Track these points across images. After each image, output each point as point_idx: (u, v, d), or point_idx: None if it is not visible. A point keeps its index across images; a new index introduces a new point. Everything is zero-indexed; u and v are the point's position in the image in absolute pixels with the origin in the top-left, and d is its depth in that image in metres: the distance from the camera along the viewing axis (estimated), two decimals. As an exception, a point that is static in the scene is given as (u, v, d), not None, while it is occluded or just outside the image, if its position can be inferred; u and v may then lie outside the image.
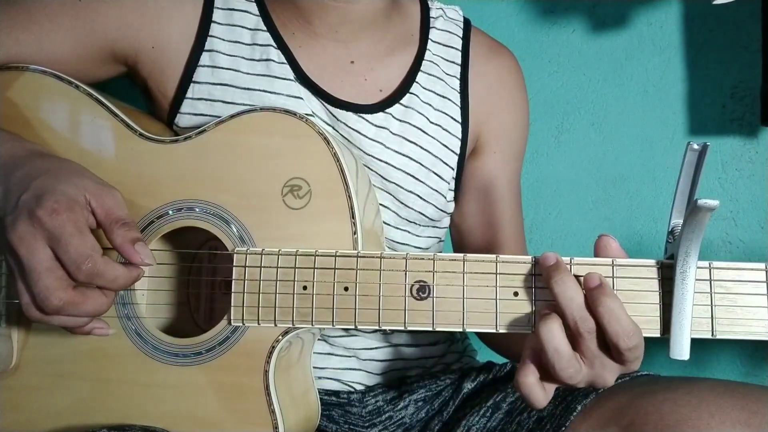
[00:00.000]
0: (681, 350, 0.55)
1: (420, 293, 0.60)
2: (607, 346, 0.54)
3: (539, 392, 0.55)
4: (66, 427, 0.66)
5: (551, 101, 1.31)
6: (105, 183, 0.62)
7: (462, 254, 0.60)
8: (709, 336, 0.57)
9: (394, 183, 0.78)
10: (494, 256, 0.60)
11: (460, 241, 0.89)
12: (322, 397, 0.75)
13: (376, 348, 0.82)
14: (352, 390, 0.81)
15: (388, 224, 0.79)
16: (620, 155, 1.29)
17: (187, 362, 0.65)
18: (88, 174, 0.62)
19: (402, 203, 0.79)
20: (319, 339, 0.78)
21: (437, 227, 0.85)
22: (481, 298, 0.60)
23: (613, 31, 1.29)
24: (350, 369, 0.81)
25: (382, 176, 0.78)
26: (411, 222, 0.81)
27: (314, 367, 0.74)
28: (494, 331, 0.59)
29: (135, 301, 0.67)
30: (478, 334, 0.91)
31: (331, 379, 0.80)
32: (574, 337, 0.54)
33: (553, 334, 0.54)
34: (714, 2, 1.04)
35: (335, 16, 0.76)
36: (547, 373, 0.55)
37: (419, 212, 0.81)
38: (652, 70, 1.28)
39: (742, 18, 1.22)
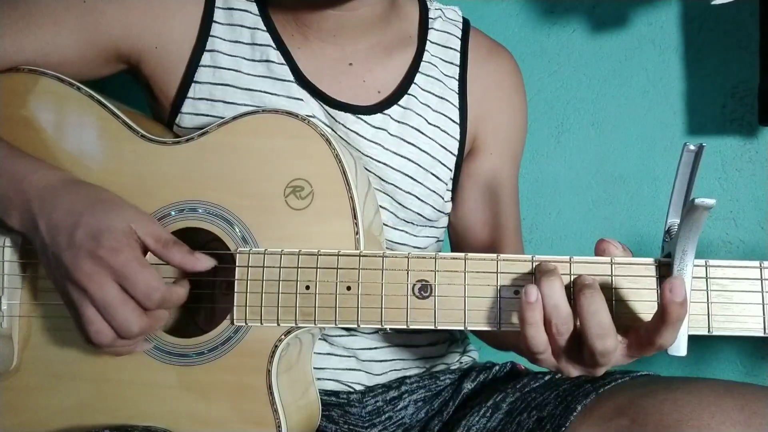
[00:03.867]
0: (678, 346, 0.55)
1: (422, 292, 0.61)
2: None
3: (541, 333, 0.57)
4: (67, 428, 0.67)
5: (551, 101, 1.32)
6: (139, 209, 0.66)
7: (463, 253, 0.61)
8: (705, 332, 0.58)
9: (392, 184, 0.78)
10: (495, 255, 0.60)
11: (458, 241, 0.90)
12: (321, 397, 0.76)
13: (375, 348, 0.82)
14: (352, 390, 0.81)
15: (386, 225, 0.79)
16: (620, 155, 1.29)
17: (190, 362, 0.65)
18: (124, 202, 0.66)
19: (400, 204, 0.79)
20: (319, 339, 0.79)
21: (435, 227, 0.85)
22: (482, 297, 0.60)
23: (613, 31, 1.29)
24: (350, 369, 0.81)
25: (380, 177, 0.78)
26: (409, 222, 0.81)
27: (314, 368, 0.74)
28: (496, 329, 0.60)
29: None
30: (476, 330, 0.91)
31: (330, 379, 0.80)
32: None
33: (553, 288, 0.55)
34: (713, 2, 1.05)
35: (333, 22, 0.77)
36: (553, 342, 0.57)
37: (417, 213, 0.81)
38: (652, 70, 1.28)
39: (742, 18, 1.22)
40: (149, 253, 0.64)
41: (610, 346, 0.55)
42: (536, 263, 0.59)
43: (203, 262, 0.64)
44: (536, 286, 0.56)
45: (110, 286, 0.60)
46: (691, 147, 0.56)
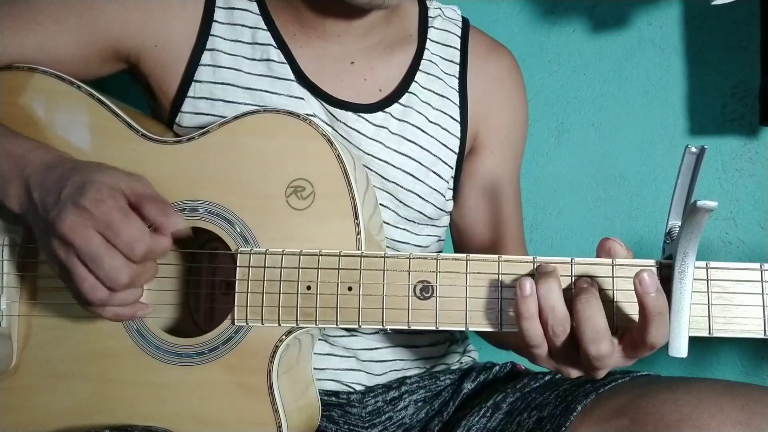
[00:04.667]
0: (679, 348, 0.55)
1: (423, 293, 0.61)
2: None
3: (537, 328, 0.57)
4: (67, 428, 0.67)
5: (551, 101, 1.32)
6: (132, 172, 0.64)
7: (465, 254, 0.61)
8: (706, 334, 0.58)
9: (394, 182, 0.78)
10: (497, 256, 0.60)
11: (460, 240, 0.90)
12: (322, 397, 0.76)
13: (376, 348, 0.82)
14: (352, 390, 0.81)
15: (388, 223, 0.79)
16: (620, 155, 1.29)
17: (190, 362, 0.65)
18: (119, 169, 0.64)
19: (401, 202, 0.80)
20: (319, 339, 0.79)
21: (436, 226, 0.85)
22: (483, 298, 0.60)
23: (613, 31, 1.29)
24: (350, 369, 0.81)
25: (381, 175, 0.78)
26: (410, 221, 0.81)
27: (314, 368, 0.74)
28: (498, 330, 0.60)
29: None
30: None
31: (331, 379, 0.80)
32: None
33: (550, 290, 0.56)
34: (713, 2, 1.05)
35: (339, 26, 0.77)
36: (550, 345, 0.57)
37: (418, 211, 0.81)
38: (652, 70, 1.28)
39: (742, 18, 1.22)
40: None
41: (604, 350, 0.55)
42: (537, 264, 0.59)
43: (174, 222, 0.61)
44: (531, 279, 0.56)
45: (95, 237, 0.58)
46: (693, 149, 0.56)
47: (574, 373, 0.59)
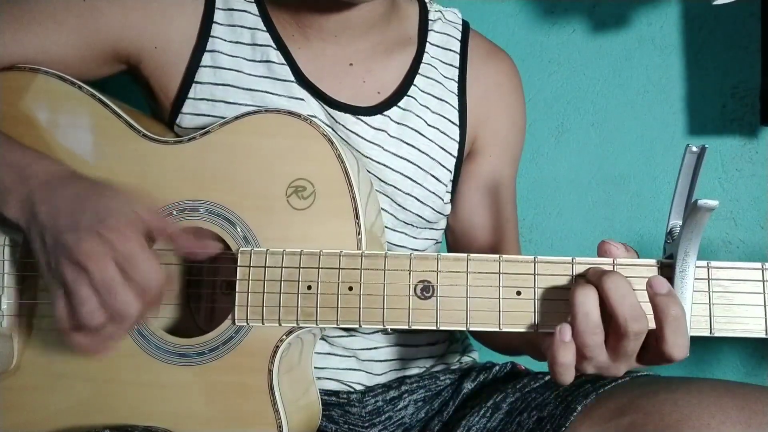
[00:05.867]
0: None
1: (424, 293, 0.61)
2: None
3: (572, 371, 0.57)
4: (67, 428, 0.66)
5: (551, 101, 1.32)
6: (142, 197, 0.66)
7: (465, 254, 0.61)
8: (707, 334, 0.58)
9: (392, 185, 0.78)
10: (497, 255, 0.60)
11: (456, 243, 0.90)
12: (322, 397, 0.76)
13: (375, 348, 0.82)
14: (352, 390, 0.81)
15: (386, 227, 0.79)
16: (620, 155, 1.29)
17: (191, 362, 0.65)
18: (130, 193, 0.65)
19: (399, 205, 0.79)
20: (319, 339, 0.79)
21: (434, 229, 0.85)
22: (484, 298, 0.60)
23: (613, 31, 1.29)
24: (350, 369, 0.81)
25: (379, 178, 0.78)
26: (408, 224, 0.81)
27: (314, 368, 0.74)
28: (497, 330, 0.60)
29: None
30: (475, 331, 0.91)
31: (330, 379, 0.80)
32: (614, 336, 0.56)
33: (588, 298, 0.55)
34: (714, 2, 1.05)
35: (335, 23, 0.77)
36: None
37: (417, 214, 0.81)
38: (652, 70, 1.28)
39: (743, 18, 1.22)
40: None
41: (645, 326, 0.54)
42: (576, 264, 0.59)
43: (211, 247, 0.63)
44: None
45: (112, 267, 0.58)
46: (694, 148, 0.56)
47: (622, 372, 0.58)
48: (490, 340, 0.88)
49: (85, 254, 0.58)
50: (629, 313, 0.54)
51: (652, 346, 0.56)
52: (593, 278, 0.57)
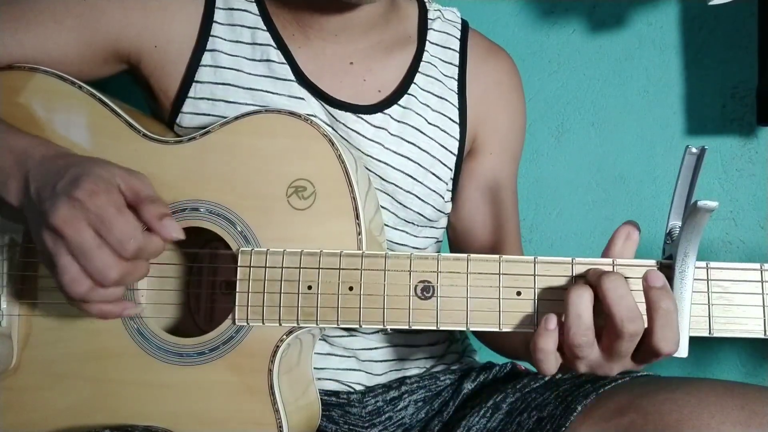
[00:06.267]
0: (680, 348, 0.56)
1: (424, 293, 0.61)
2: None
3: (552, 360, 0.57)
4: (67, 428, 0.66)
5: (551, 101, 1.32)
6: (132, 169, 0.63)
7: (466, 254, 0.61)
8: (706, 334, 0.58)
9: (393, 183, 0.78)
10: (498, 256, 0.60)
11: (457, 242, 0.90)
12: (322, 397, 0.76)
13: (375, 348, 0.82)
14: (352, 390, 0.81)
15: (387, 225, 0.79)
16: (620, 155, 1.29)
17: (191, 362, 0.65)
18: (118, 165, 0.63)
19: (400, 204, 0.80)
20: (319, 339, 0.79)
21: (435, 227, 0.85)
22: (484, 298, 0.60)
23: (613, 31, 1.29)
24: (350, 369, 0.81)
25: (380, 177, 0.78)
26: (409, 222, 0.81)
27: (314, 368, 0.74)
28: (497, 330, 0.60)
29: (137, 300, 0.67)
30: (475, 332, 0.91)
31: (330, 379, 0.80)
32: (609, 336, 0.56)
33: (582, 299, 0.55)
34: (710, 3, 1.05)
35: (336, 23, 0.77)
36: (561, 343, 0.57)
37: (417, 213, 0.81)
38: (652, 70, 1.28)
39: (742, 18, 1.22)
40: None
41: (640, 327, 0.55)
42: (575, 264, 0.60)
43: (168, 230, 0.60)
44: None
45: (87, 231, 0.57)
46: (693, 150, 0.56)
47: (616, 372, 0.58)
48: (496, 345, 0.88)
49: (60, 219, 0.57)
50: (626, 314, 0.54)
51: (643, 342, 0.56)
52: (592, 278, 0.57)
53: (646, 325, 0.55)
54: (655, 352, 0.55)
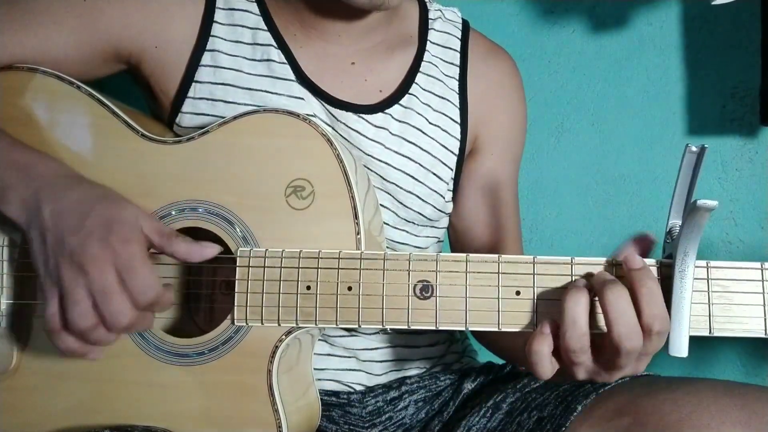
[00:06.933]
0: (680, 347, 0.56)
1: (423, 293, 0.61)
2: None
3: (547, 363, 0.57)
4: (67, 428, 0.66)
5: (551, 101, 1.32)
6: (141, 208, 0.65)
7: (465, 254, 0.61)
8: (706, 333, 0.58)
9: (393, 183, 0.78)
10: (496, 255, 0.60)
11: (458, 242, 0.90)
12: (322, 397, 0.76)
13: (375, 348, 0.82)
14: (352, 390, 0.81)
15: (387, 224, 0.79)
16: (620, 155, 1.29)
17: (190, 362, 0.65)
18: (130, 201, 0.65)
19: (401, 203, 0.80)
20: (319, 339, 0.79)
21: (436, 227, 0.85)
22: (483, 298, 0.60)
23: (613, 31, 1.29)
24: (350, 369, 0.81)
25: (381, 176, 0.78)
26: (409, 222, 0.81)
27: (314, 368, 0.74)
28: (496, 330, 0.60)
29: None
30: (475, 334, 0.91)
31: (331, 380, 0.80)
32: (607, 349, 0.56)
33: (578, 305, 0.55)
34: (713, 2, 1.05)
35: (339, 25, 0.77)
36: (557, 347, 0.57)
37: (418, 212, 0.81)
38: (652, 70, 1.28)
39: (743, 18, 1.22)
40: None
41: (638, 344, 0.55)
42: (575, 264, 0.60)
43: (209, 249, 0.63)
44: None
45: (112, 274, 0.59)
46: (693, 148, 0.56)
47: (615, 379, 0.59)
48: (496, 348, 0.88)
49: (89, 258, 0.59)
50: (624, 331, 0.54)
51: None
52: (596, 285, 0.57)
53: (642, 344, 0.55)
54: (646, 330, 0.55)
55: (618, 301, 0.55)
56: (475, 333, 0.91)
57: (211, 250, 0.63)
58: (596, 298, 0.58)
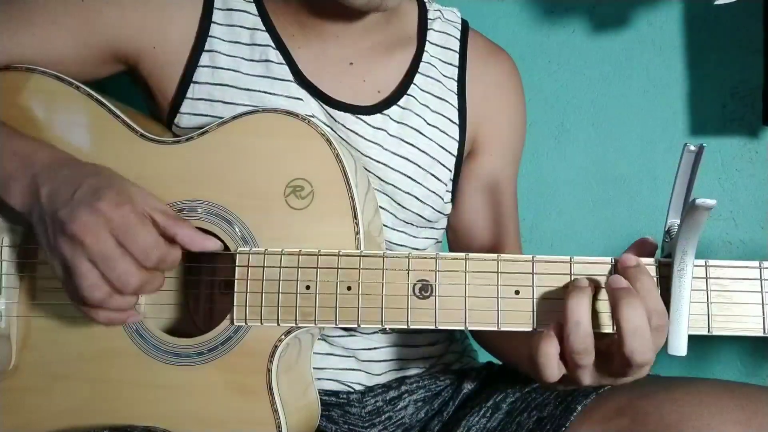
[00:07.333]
0: (679, 346, 0.56)
1: (422, 292, 0.61)
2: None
3: (554, 365, 0.56)
4: (66, 429, 0.66)
5: (551, 101, 1.32)
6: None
7: (464, 253, 0.61)
8: (705, 332, 0.58)
9: (392, 184, 0.78)
10: (496, 255, 0.60)
11: (457, 243, 0.90)
12: (321, 397, 0.76)
13: (375, 348, 0.82)
14: (352, 390, 0.81)
15: (386, 226, 0.79)
16: (620, 155, 1.29)
17: (189, 362, 0.65)
18: (132, 182, 0.65)
19: (399, 205, 0.79)
20: (318, 339, 0.79)
21: (434, 228, 0.85)
22: (483, 297, 0.60)
23: (613, 31, 1.29)
24: (350, 369, 0.81)
25: (379, 178, 0.78)
26: (408, 223, 0.81)
27: (314, 368, 0.74)
28: (496, 329, 0.60)
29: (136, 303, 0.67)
30: (474, 336, 0.91)
31: (330, 379, 0.80)
32: (618, 359, 0.56)
33: (581, 305, 0.55)
34: (715, 2, 1.05)
35: (337, 25, 0.77)
36: (562, 351, 0.56)
37: (417, 214, 0.81)
38: (652, 70, 1.28)
39: (743, 18, 1.22)
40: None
41: (650, 359, 0.54)
42: (574, 263, 0.60)
43: (211, 242, 0.62)
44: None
45: (109, 239, 0.58)
46: (692, 147, 0.56)
47: (588, 381, 0.58)
48: (496, 351, 0.87)
49: (81, 226, 0.58)
50: (638, 347, 0.53)
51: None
52: (611, 292, 0.56)
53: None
54: (654, 325, 0.55)
55: (634, 316, 0.54)
56: (474, 335, 0.91)
57: (212, 243, 0.62)
58: (599, 298, 0.58)
